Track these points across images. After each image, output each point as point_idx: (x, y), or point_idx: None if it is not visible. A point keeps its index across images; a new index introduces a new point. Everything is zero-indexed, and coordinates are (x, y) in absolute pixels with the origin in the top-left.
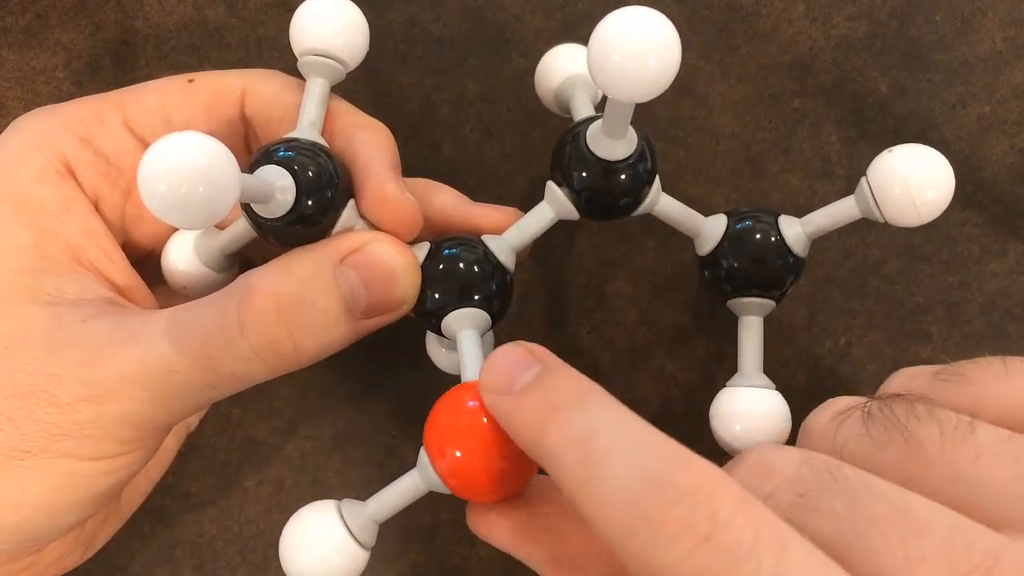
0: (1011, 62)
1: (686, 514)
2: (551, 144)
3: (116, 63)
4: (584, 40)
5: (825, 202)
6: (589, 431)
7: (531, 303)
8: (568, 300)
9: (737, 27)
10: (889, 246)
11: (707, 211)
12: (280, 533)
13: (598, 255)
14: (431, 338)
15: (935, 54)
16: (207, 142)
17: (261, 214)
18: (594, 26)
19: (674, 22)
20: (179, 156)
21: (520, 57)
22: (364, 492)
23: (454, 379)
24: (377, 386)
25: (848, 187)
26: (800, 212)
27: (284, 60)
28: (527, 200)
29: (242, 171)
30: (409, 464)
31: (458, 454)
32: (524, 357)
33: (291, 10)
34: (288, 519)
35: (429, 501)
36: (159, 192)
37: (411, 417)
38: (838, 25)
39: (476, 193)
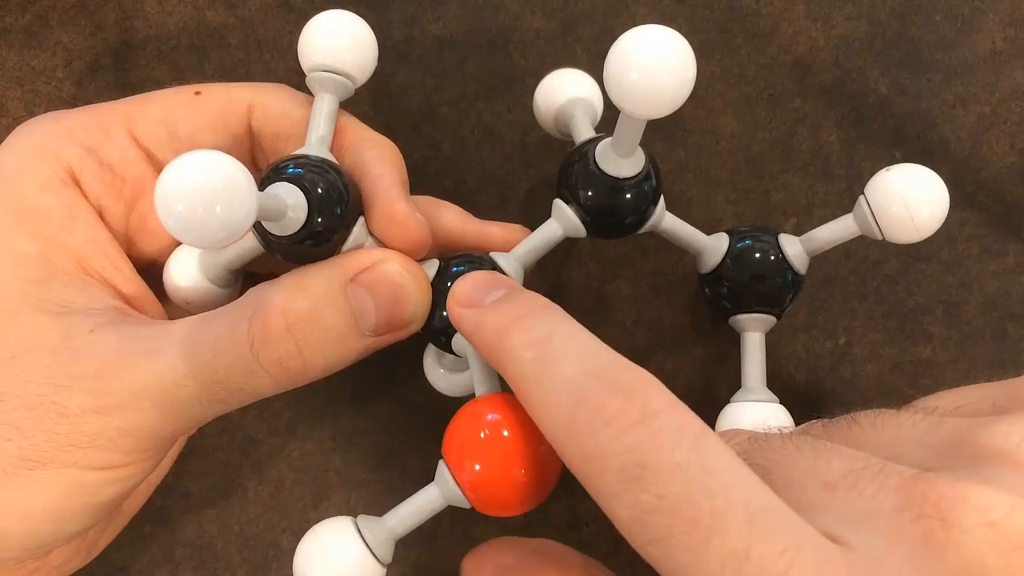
0: (1011, 62)
1: (622, 403)
2: (551, 144)
3: (116, 63)
4: (583, 40)
5: (825, 202)
6: (547, 334)
7: None
8: (568, 300)
9: (737, 27)
10: (889, 246)
11: (707, 211)
12: (280, 534)
13: (598, 255)
14: (429, 359)
15: (935, 54)
16: (225, 162)
17: (272, 231)
18: (593, 27)
19: (674, 22)
20: (197, 175)
21: (520, 57)
22: (364, 492)
23: (451, 399)
24: (377, 387)
25: (848, 187)
26: (800, 212)
27: (285, 61)
28: (527, 201)
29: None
30: (409, 465)
31: (478, 467)
32: (493, 280)
33: (292, 10)
34: (288, 520)
35: None
36: (176, 212)
37: (411, 418)
38: (838, 25)
39: (476, 193)
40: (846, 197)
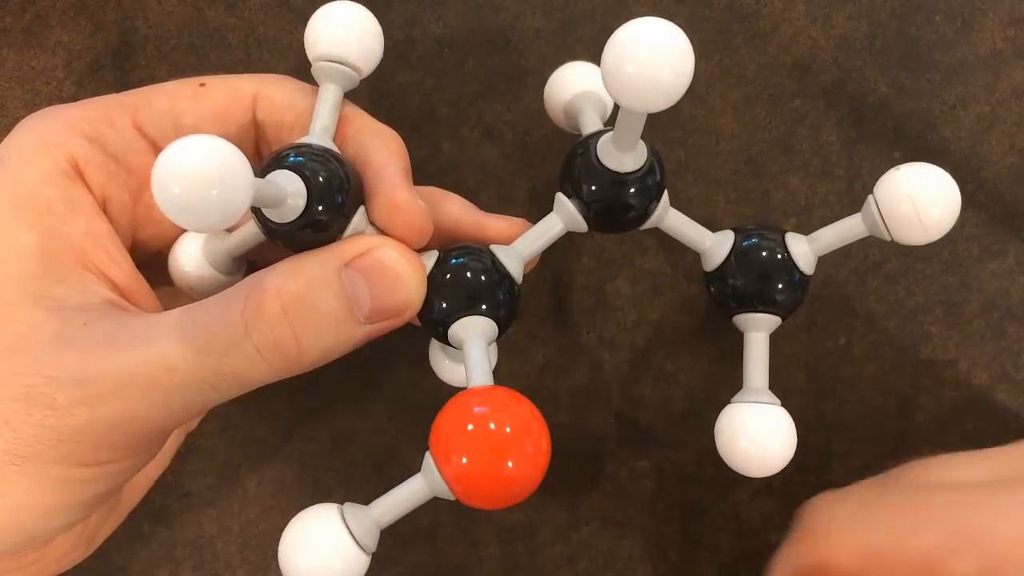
0: (1011, 62)
1: None
2: (551, 144)
3: (116, 63)
4: (583, 40)
5: (825, 202)
6: None
7: (532, 303)
8: (568, 300)
9: (737, 27)
10: (889, 246)
11: (707, 211)
12: (280, 533)
13: (598, 255)
14: (434, 350)
15: (935, 54)
16: (221, 145)
17: (272, 218)
18: (594, 26)
19: (674, 22)
20: (193, 158)
21: (520, 57)
22: (364, 492)
23: (458, 389)
24: (377, 386)
25: (848, 187)
26: (800, 212)
27: (285, 60)
28: (527, 201)
29: (254, 176)
30: (409, 464)
31: (464, 460)
32: None
33: (292, 10)
34: (288, 520)
35: (429, 502)
36: (172, 194)
37: (411, 417)
38: (838, 25)
39: (476, 193)
40: (846, 197)
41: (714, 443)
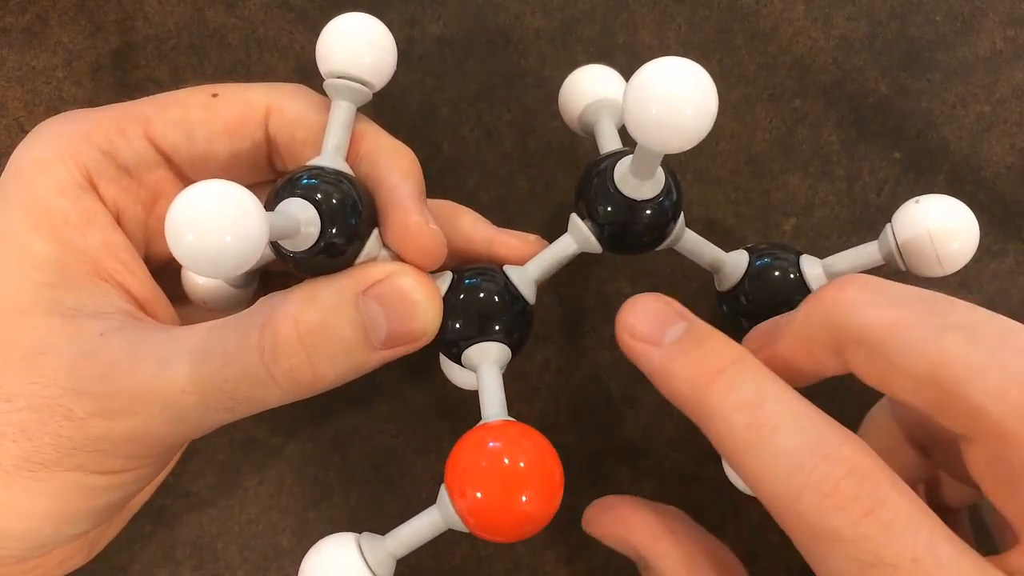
0: (1011, 62)
1: (853, 488)
2: (551, 144)
3: (116, 63)
4: (583, 40)
5: (825, 202)
6: (756, 397)
7: None
8: (569, 300)
9: (737, 27)
10: None
11: (707, 211)
12: (280, 533)
13: (599, 255)
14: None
15: (935, 54)
16: (235, 192)
17: (286, 247)
18: (593, 26)
19: (674, 22)
20: (207, 207)
21: (520, 57)
22: (364, 492)
23: (469, 393)
24: (377, 386)
25: (848, 187)
26: (800, 212)
27: (285, 61)
28: (527, 201)
29: (264, 194)
30: (409, 464)
31: (479, 495)
32: (668, 311)
33: (292, 10)
34: (288, 520)
35: (429, 500)
36: (187, 242)
37: (411, 417)
38: (838, 25)
39: (476, 193)
40: (846, 197)
41: (707, 443)
